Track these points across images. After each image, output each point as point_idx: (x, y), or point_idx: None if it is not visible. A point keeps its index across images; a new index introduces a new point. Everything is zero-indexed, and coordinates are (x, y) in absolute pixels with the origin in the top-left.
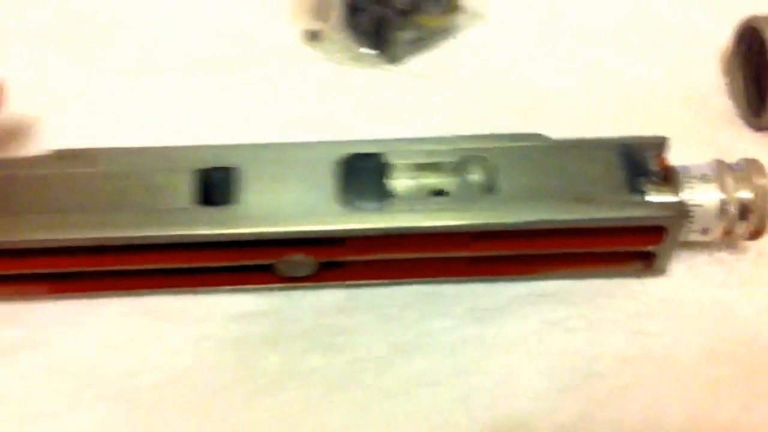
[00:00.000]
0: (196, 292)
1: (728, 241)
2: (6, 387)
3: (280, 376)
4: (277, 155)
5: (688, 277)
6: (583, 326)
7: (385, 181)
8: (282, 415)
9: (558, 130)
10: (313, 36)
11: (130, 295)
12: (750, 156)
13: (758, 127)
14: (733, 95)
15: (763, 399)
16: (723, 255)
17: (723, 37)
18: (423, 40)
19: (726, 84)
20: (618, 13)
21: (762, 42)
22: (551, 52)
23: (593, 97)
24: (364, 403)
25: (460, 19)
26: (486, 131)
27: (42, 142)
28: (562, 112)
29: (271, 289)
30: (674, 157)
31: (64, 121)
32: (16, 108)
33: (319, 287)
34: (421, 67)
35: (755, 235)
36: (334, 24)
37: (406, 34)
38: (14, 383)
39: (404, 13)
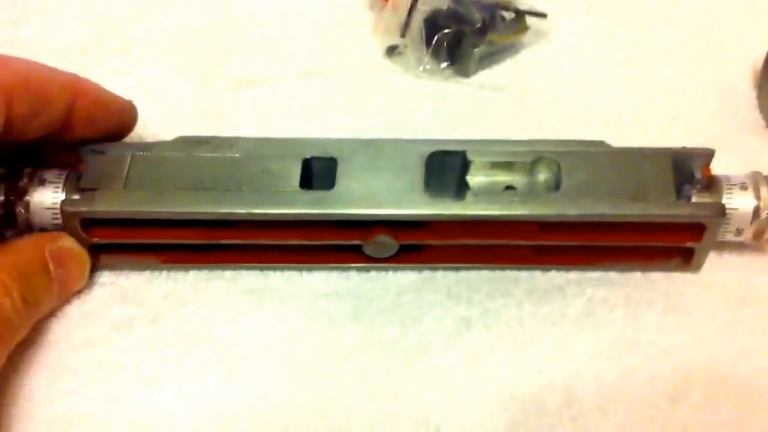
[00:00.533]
0: (287, 271)
1: (757, 243)
2: (122, 357)
3: (362, 346)
4: (372, 149)
5: (717, 264)
6: (624, 303)
7: (464, 176)
8: (365, 381)
9: (612, 137)
10: (392, 51)
11: (235, 268)
12: None
13: None
14: (762, 109)
15: None
16: (748, 252)
17: (757, 53)
18: (493, 56)
19: (756, 98)
20: (669, 33)
21: None
22: (609, 68)
23: (642, 107)
24: (436, 369)
25: (526, 37)
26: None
27: None
28: (617, 121)
29: (355, 269)
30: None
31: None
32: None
33: (398, 268)
34: (491, 80)
35: None
36: (413, 40)
37: (479, 51)
38: (130, 353)
39: (479, 32)
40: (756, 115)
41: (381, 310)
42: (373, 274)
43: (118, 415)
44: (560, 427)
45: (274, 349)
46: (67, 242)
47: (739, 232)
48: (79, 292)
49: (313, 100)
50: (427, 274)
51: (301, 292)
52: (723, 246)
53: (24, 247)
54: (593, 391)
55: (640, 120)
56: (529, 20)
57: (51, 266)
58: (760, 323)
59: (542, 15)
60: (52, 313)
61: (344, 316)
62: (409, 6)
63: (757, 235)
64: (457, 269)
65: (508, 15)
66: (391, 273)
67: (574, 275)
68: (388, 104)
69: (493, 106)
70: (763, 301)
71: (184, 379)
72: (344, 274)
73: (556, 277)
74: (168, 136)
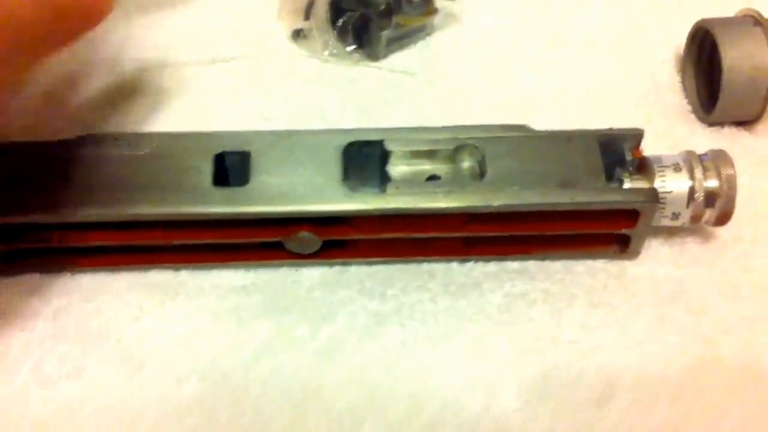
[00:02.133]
0: (196, 268)
1: (696, 225)
2: (22, 354)
3: (271, 345)
4: (287, 141)
5: (642, 255)
6: (543, 298)
7: (384, 166)
8: (275, 381)
9: (533, 122)
10: (298, 35)
11: (140, 269)
12: (703, 146)
13: (709, 123)
14: (687, 92)
15: (706, 361)
16: (679, 239)
17: (679, 38)
18: (402, 39)
19: (680, 82)
20: (589, 15)
21: (712, 43)
22: (527, 52)
23: (563, 91)
24: (349, 368)
25: (438, 19)
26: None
27: None
28: (537, 105)
29: (268, 266)
30: None
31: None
32: None
33: (319, 264)
34: (403, 63)
35: (721, 220)
36: (318, 23)
37: (387, 33)
38: (29, 350)
39: (385, 14)
40: (681, 100)
41: (292, 306)
42: (284, 268)
43: (17, 416)
44: (480, 428)
45: (181, 347)
46: None
47: (675, 216)
48: None
49: (219, 87)
50: (339, 267)
51: (210, 287)
52: (656, 231)
53: None
54: (513, 391)
55: (561, 105)
56: (440, 3)
57: None
58: (690, 320)
59: None
60: None
61: (254, 314)
62: None
63: (695, 219)
64: (371, 263)
65: None
66: (302, 268)
67: (492, 267)
68: (296, 90)
69: (406, 91)
70: (692, 296)
71: (85, 377)
72: (255, 268)
73: (473, 269)
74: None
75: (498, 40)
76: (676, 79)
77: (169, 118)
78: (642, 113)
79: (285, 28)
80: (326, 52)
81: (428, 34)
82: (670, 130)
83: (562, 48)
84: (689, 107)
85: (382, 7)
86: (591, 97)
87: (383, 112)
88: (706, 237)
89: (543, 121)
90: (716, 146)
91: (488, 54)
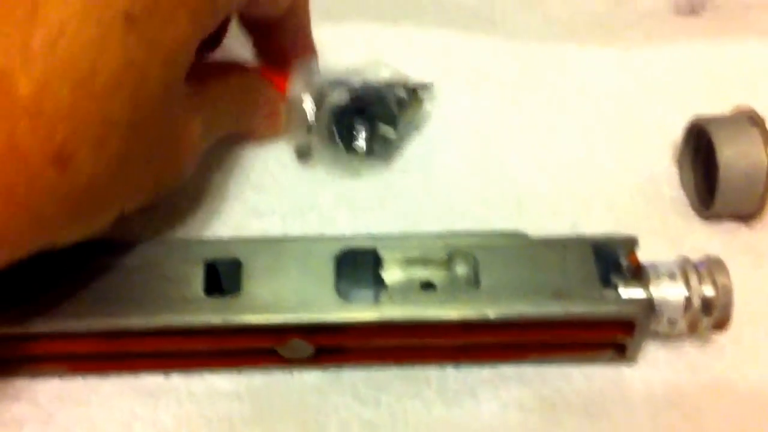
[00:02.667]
0: (187, 372)
1: (693, 333)
2: None
3: None
4: (278, 248)
5: (640, 360)
6: (540, 407)
7: (378, 273)
8: None
9: (529, 218)
10: (304, 153)
11: (129, 374)
12: (698, 244)
13: (706, 217)
14: (684, 186)
15: None
16: (677, 342)
17: (676, 129)
18: (402, 138)
19: (677, 174)
20: (582, 107)
21: (709, 139)
22: (519, 145)
23: (558, 184)
24: None
25: (425, 113)
26: (463, 221)
27: None
28: (532, 199)
29: (260, 370)
30: None
31: None
32: None
33: (313, 368)
34: (397, 162)
35: (719, 326)
36: (322, 137)
37: (395, 134)
38: None
39: (390, 115)
40: (678, 192)
41: (284, 413)
42: (277, 373)
43: None
44: None
45: None
46: None
47: (672, 323)
48: None
49: (211, 180)
50: (333, 372)
51: (203, 392)
52: (654, 335)
53: None
54: None
55: (556, 201)
56: (425, 94)
57: None
58: (688, 427)
59: (427, 85)
60: None
61: (246, 420)
62: (307, 102)
63: (692, 327)
64: (365, 367)
65: (401, 92)
66: (295, 372)
67: (487, 373)
68: (290, 186)
69: (401, 190)
70: (690, 401)
71: None
72: (247, 372)
73: (469, 374)
74: None
75: (490, 133)
76: (674, 171)
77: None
78: (638, 207)
79: (289, 145)
80: (336, 164)
81: (417, 130)
82: (667, 224)
83: (556, 141)
84: (687, 201)
85: (387, 110)
86: (586, 191)
87: (378, 214)
88: (704, 340)
89: (537, 219)
90: (714, 242)
91: (481, 148)
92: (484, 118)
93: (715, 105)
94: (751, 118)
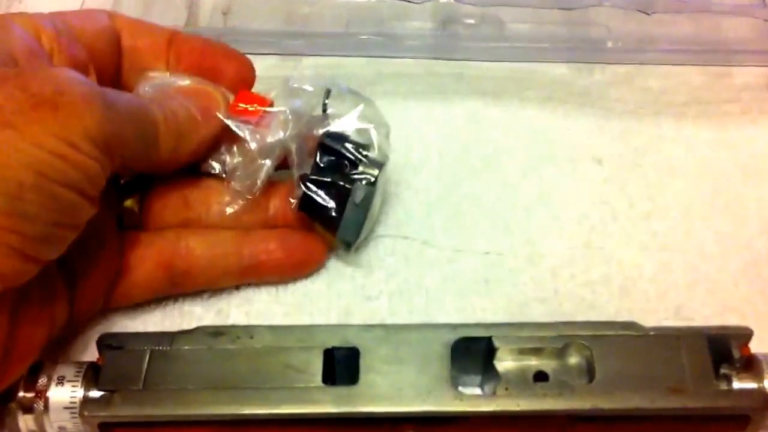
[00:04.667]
0: None
1: None
2: None
3: None
4: (395, 337)
5: None
6: None
7: (490, 361)
8: None
9: (633, 301)
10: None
11: None
12: None
13: None
14: None
15: None
16: None
17: None
18: None
19: None
20: (681, 185)
21: None
22: (622, 225)
23: (660, 269)
24: None
25: None
26: (567, 304)
27: None
28: (638, 285)
29: None
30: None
31: None
32: None
33: None
34: (503, 245)
35: None
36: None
37: None
38: None
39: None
40: None
41: None
42: None
43: None
44: None
45: None
46: None
47: None
48: None
49: None
50: None
51: None
52: None
53: None
54: None
55: (659, 284)
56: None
57: None
58: None
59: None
60: None
61: None
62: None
63: None
64: None
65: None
66: None
67: None
68: (398, 269)
69: (506, 273)
70: None
71: None
72: None
73: None
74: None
75: (590, 214)
76: None
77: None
78: (742, 289)
79: None
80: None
81: None
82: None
83: (657, 221)
84: None
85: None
86: (689, 274)
87: (484, 292)
88: None
89: (642, 299)
90: None
91: (582, 229)
92: (583, 198)
93: None
94: None
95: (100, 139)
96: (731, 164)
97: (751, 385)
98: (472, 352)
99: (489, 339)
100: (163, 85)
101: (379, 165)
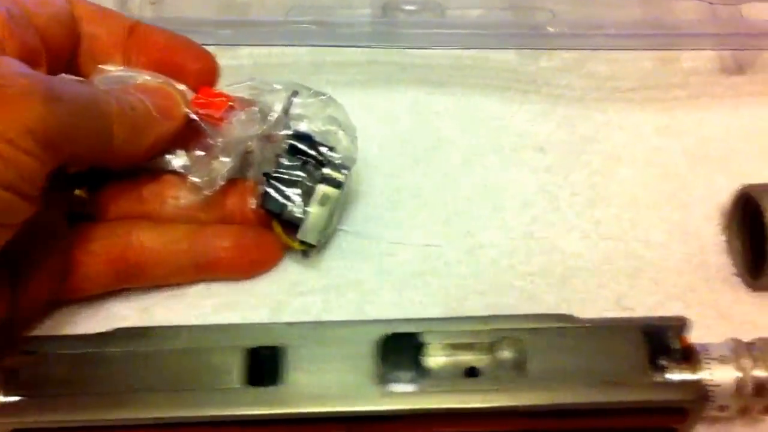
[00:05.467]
0: None
1: (745, 416)
2: None
3: None
4: (320, 334)
5: None
6: None
7: (420, 359)
8: None
9: (573, 291)
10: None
11: None
12: (749, 317)
13: (755, 288)
14: (733, 255)
15: None
16: (728, 424)
17: (724, 195)
18: None
19: (725, 242)
20: (627, 174)
21: (757, 207)
22: (563, 214)
23: (602, 258)
24: None
25: None
26: (506, 295)
27: None
28: (579, 274)
29: None
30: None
31: None
32: None
33: None
34: (441, 237)
35: None
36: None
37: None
38: None
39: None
40: (725, 260)
41: None
42: None
43: None
44: None
45: None
46: None
47: (722, 408)
48: None
49: None
50: None
51: None
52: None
53: None
54: None
55: (601, 273)
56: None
57: None
58: None
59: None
60: None
61: None
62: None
63: (743, 411)
64: None
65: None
66: None
67: None
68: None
69: (443, 264)
70: None
71: None
72: None
73: None
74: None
75: (533, 203)
76: (722, 240)
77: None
78: (686, 278)
79: None
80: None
81: None
82: (716, 296)
83: (601, 209)
84: (734, 270)
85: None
86: (631, 262)
87: (421, 286)
88: (753, 421)
89: (583, 289)
90: (765, 312)
91: (523, 218)
92: (526, 187)
93: (765, 168)
94: None
95: (41, 134)
96: (678, 151)
97: (688, 376)
98: (403, 349)
99: (418, 335)
100: (119, 79)
101: (346, 167)
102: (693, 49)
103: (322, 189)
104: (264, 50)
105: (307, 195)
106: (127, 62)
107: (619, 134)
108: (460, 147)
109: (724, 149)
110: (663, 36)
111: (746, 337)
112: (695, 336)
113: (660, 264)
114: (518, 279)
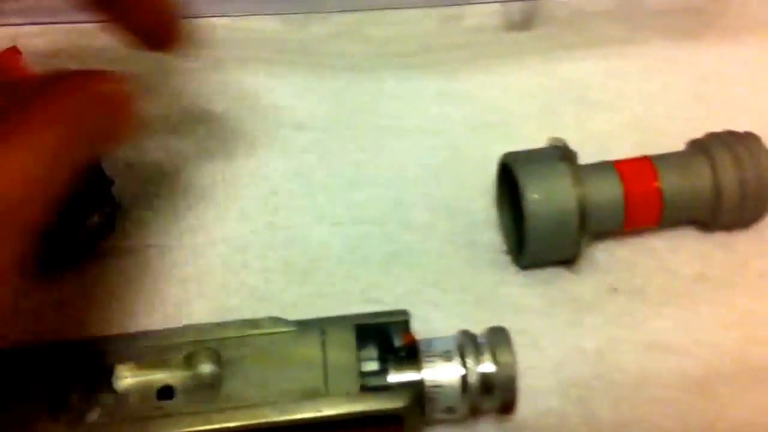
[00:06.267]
0: None
1: (478, 417)
2: None
3: None
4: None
5: None
6: None
7: (107, 382)
8: None
9: (318, 284)
10: None
11: None
12: (514, 299)
13: (524, 266)
14: (502, 231)
15: None
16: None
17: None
18: None
19: (497, 219)
20: (396, 143)
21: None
22: (320, 197)
23: (352, 241)
24: None
25: None
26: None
27: None
28: (325, 262)
29: None
30: (433, 303)
31: None
32: None
33: None
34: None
35: (505, 410)
36: None
37: None
38: None
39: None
40: (495, 238)
41: None
42: None
43: None
44: None
45: None
46: None
47: (451, 410)
48: None
49: None
50: None
51: None
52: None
53: None
54: None
55: (349, 262)
56: None
57: None
58: None
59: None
60: None
61: None
62: None
63: (475, 411)
64: None
65: None
66: None
67: None
68: None
69: (164, 265)
70: None
71: None
72: None
73: None
74: None
75: (284, 187)
76: (493, 215)
77: None
78: (449, 259)
79: None
80: None
81: None
82: (477, 279)
83: (364, 187)
84: (504, 248)
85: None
86: (390, 241)
87: (143, 294)
88: (497, 421)
89: (329, 281)
90: (530, 292)
91: (269, 208)
92: (274, 172)
93: (544, 133)
94: (562, 153)
95: None
96: (458, 119)
97: (409, 377)
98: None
99: (103, 354)
100: None
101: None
102: (476, 3)
103: None
104: None
105: None
106: None
107: (393, 104)
108: (213, 129)
109: (504, 113)
110: None
111: (509, 323)
112: (449, 326)
113: (418, 247)
114: (251, 277)
